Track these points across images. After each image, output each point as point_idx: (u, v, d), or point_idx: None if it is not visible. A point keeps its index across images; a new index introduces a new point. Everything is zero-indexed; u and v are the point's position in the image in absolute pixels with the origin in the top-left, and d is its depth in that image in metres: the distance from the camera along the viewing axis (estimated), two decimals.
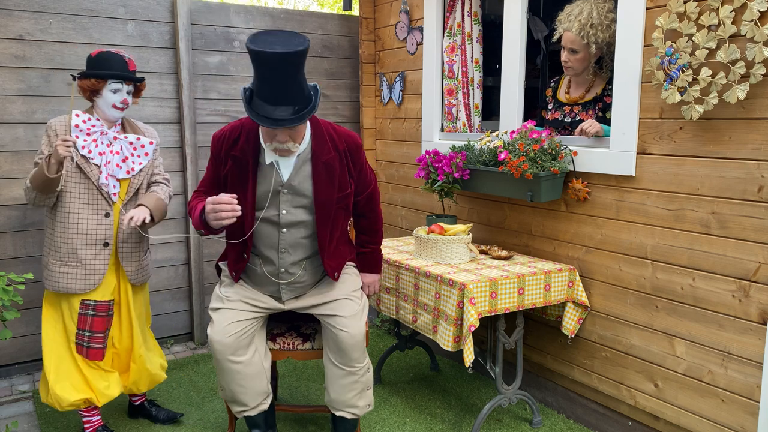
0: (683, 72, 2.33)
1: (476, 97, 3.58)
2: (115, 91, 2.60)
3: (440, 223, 3.04)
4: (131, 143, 2.69)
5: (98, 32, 3.55)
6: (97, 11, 3.54)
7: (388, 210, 4.29)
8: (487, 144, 3.09)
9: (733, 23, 2.19)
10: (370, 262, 2.77)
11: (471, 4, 3.48)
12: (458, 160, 3.15)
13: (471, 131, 3.60)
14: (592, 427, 2.98)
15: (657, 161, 2.55)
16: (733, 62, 2.19)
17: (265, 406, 2.61)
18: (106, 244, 2.65)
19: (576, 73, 3.05)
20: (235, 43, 3.97)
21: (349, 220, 2.68)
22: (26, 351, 3.55)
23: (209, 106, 3.91)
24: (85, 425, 2.78)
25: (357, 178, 2.49)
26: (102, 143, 2.62)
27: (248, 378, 2.50)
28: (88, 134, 2.59)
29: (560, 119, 3.11)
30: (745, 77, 2.18)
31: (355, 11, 4.39)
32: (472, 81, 3.56)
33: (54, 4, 3.42)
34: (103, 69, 2.60)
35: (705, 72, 2.25)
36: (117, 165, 2.65)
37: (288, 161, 2.30)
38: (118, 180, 2.66)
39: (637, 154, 2.62)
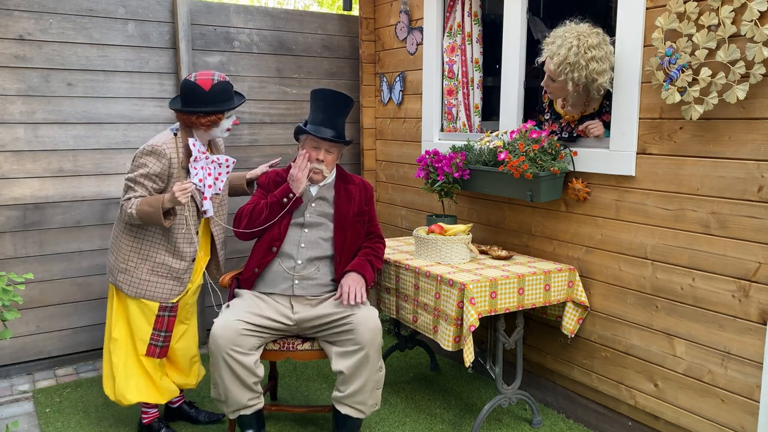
0: (683, 72, 2.33)
1: (476, 97, 3.58)
2: (229, 117, 2.67)
3: (440, 223, 3.04)
4: (220, 164, 2.75)
5: (98, 32, 3.55)
6: (97, 11, 3.54)
7: (387, 210, 4.29)
8: (487, 144, 3.09)
9: (732, 23, 2.19)
10: (358, 262, 2.75)
11: (471, 4, 3.48)
12: (458, 160, 3.15)
13: (471, 131, 3.60)
14: (592, 427, 2.98)
15: (657, 161, 2.55)
16: (733, 62, 2.19)
17: (260, 405, 2.63)
18: (193, 260, 2.74)
19: (556, 98, 3.00)
20: (235, 43, 3.97)
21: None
22: (26, 351, 3.55)
23: None
24: (143, 416, 2.85)
25: (369, 214, 2.92)
26: (206, 168, 2.67)
27: (244, 374, 2.51)
28: (197, 160, 2.63)
29: (557, 132, 3.05)
30: (744, 77, 2.18)
31: (355, 11, 4.39)
32: (472, 81, 3.56)
33: (54, 4, 3.42)
34: (225, 102, 2.62)
35: (705, 72, 2.25)
36: (209, 186, 2.71)
37: (316, 187, 2.81)
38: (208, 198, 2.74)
39: (637, 154, 2.62)
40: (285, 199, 2.72)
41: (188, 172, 2.64)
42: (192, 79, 2.59)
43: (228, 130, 2.72)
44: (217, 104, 2.59)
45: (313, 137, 2.74)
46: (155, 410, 2.87)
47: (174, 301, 2.73)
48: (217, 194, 2.78)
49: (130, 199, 2.57)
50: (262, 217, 2.75)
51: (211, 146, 2.83)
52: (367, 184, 2.94)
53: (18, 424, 2.60)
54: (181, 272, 2.71)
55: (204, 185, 2.68)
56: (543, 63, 2.84)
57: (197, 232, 2.74)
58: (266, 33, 4.07)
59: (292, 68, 4.18)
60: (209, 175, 2.70)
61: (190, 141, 2.60)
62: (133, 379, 2.73)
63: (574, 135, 2.94)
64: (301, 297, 2.71)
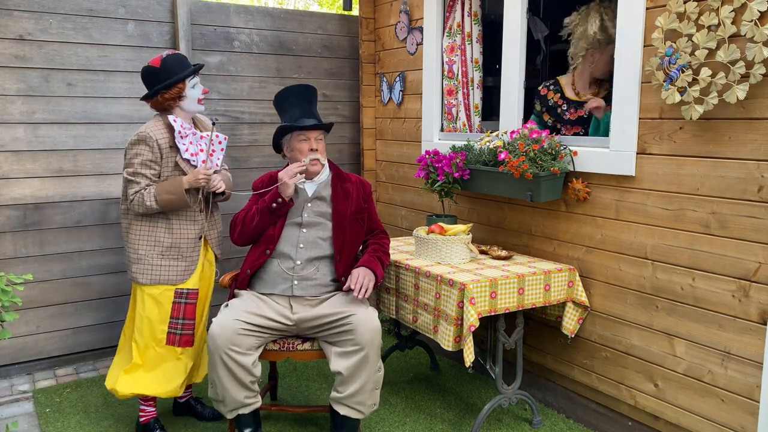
0: (683, 72, 2.32)
1: (476, 97, 3.58)
2: (194, 86, 2.72)
3: (440, 223, 3.04)
4: (211, 141, 2.79)
5: (98, 32, 3.55)
6: (97, 11, 3.54)
7: (387, 210, 4.29)
8: (487, 144, 3.09)
9: (733, 23, 2.19)
10: (368, 259, 2.76)
11: (471, 4, 3.48)
12: (458, 160, 3.15)
13: (471, 131, 3.60)
14: (592, 427, 2.98)
15: (657, 161, 2.55)
16: (733, 62, 2.19)
17: (257, 404, 2.63)
18: (200, 237, 2.79)
19: (604, 73, 3.15)
20: (235, 43, 3.97)
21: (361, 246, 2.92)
22: (26, 351, 3.55)
23: (209, 106, 3.91)
24: (141, 414, 2.87)
25: (368, 211, 2.91)
26: (195, 143, 2.74)
27: (241, 373, 2.51)
28: (184, 136, 2.69)
29: (585, 116, 3.17)
30: (744, 77, 2.18)
31: (355, 11, 4.39)
32: (472, 81, 3.56)
33: (54, 4, 3.42)
34: (178, 71, 2.67)
35: (705, 72, 2.25)
36: (203, 161, 2.77)
37: (312, 185, 2.80)
38: None
39: (637, 154, 2.62)
40: (274, 204, 2.72)
41: (178, 150, 2.70)
42: (145, 66, 2.72)
43: (201, 102, 2.75)
44: (172, 75, 2.66)
45: (298, 131, 2.76)
46: (153, 409, 2.87)
47: (189, 286, 2.76)
48: (216, 171, 2.80)
49: (138, 192, 2.63)
50: (254, 223, 2.75)
51: (198, 125, 2.88)
52: (364, 181, 2.94)
53: (18, 424, 2.60)
54: (189, 250, 2.76)
55: (197, 160, 2.73)
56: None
57: (201, 210, 2.79)
58: (266, 33, 4.07)
59: (292, 68, 4.18)
60: (201, 150, 2.76)
61: (170, 118, 2.68)
62: (130, 373, 2.74)
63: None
64: (301, 297, 2.70)
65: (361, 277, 2.62)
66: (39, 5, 3.38)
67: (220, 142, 2.84)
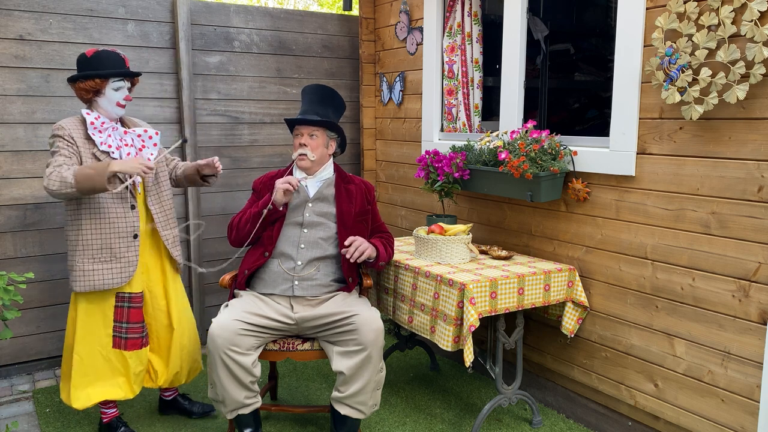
0: (683, 72, 2.33)
1: (476, 97, 3.58)
2: (117, 89, 2.65)
3: (440, 223, 3.04)
4: (139, 135, 2.74)
5: (98, 32, 3.55)
6: (97, 11, 3.54)
7: (387, 210, 4.29)
8: (487, 144, 3.09)
9: (733, 23, 2.19)
10: (371, 239, 2.82)
11: (471, 4, 3.48)
12: (458, 160, 3.15)
13: (471, 131, 3.60)
14: (592, 427, 2.98)
15: (657, 161, 2.55)
16: (733, 62, 2.19)
17: (257, 404, 2.63)
18: (135, 236, 2.70)
19: None
20: (235, 43, 3.97)
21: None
22: (26, 351, 3.55)
23: (209, 106, 3.91)
24: (102, 415, 2.86)
25: (372, 213, 2.92)
26: (115, 138, 2.67)
27: (241, 373, 2.51)
28: (101, 131, 2.62)
29: None
30: (745, 77, 2.18)
31: (355, 11, 4.39)
32: (472, 81, 3.56)
33: (54, 4, 3.42)
34: (103, 68, 2.62)
35: (705, 72, 2.26)
36: (128, 154, 2.69)
37: (314, 185, 2.80)
38: None
39: (637, 154, 2.62)
40: (265, 210, 2.71)
41: (93, 142, 2.61)
42: (81, 53, 2.67)
43: (119, 105, 2.66)
44: (97, 69, 2.61)
45: (293, 125, 2.80)
46: (114, 410, 2.86)
47: (133, 290, 2.69)
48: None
49: (59, 166, 2.47)
50: (246, 228, 2.75)
51: (127, 124, 2.80)
52: (368, 183, 2.94)
53: (18, 424, 2.60)
54: (123, 250, 2.64)
55: (121, 154, 2.65)
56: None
57: (132, 207, 2.68)
58: (266, 33, 4.07)
59: (292, 68, 4.18)
60: (126, 145, 2.68)
61: (83, 111, 2.62)
62: (84, 383, 2.69)
63: None
64: (301, 298, 2.71)
65: (358, 242, 2.66)
66: (39, 5, 3.38)
67: (150, 137, 2.75)
